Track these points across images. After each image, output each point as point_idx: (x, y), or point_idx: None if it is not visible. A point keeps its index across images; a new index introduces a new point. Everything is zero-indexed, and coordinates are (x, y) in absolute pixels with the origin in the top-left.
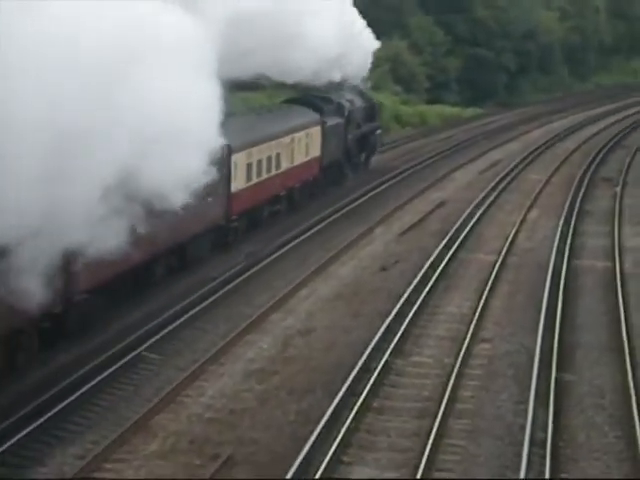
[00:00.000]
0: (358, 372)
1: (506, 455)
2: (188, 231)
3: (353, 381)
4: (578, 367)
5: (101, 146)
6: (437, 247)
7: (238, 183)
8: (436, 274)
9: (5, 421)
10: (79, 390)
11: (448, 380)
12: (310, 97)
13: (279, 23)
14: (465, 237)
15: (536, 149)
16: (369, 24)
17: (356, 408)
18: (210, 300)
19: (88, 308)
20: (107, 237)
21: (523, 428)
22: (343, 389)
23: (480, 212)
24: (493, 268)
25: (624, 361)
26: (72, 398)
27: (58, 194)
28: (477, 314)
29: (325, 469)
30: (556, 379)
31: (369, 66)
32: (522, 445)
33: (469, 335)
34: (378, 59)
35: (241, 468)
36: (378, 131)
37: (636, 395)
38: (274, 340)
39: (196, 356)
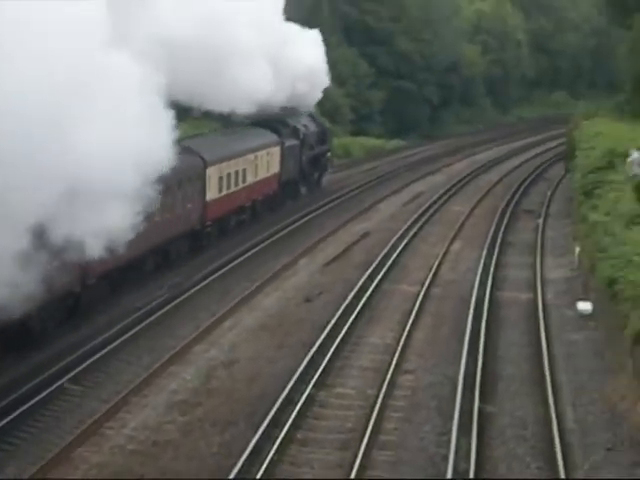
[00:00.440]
0: (281, 404)
1: None
2: (172, 232)
3: (276, 413)
4: (500, 398)
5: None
6: (361, 278)
7: (212, 193)
8: (360, 305)
9: None
10: None
11: (371, 412)
12: (270, 121)
13: (213, 54)
14: (389, 268)
15: (459, 181)
16: None
17: (279, 440)
18: (134, 331)
19: (98, 290)
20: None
21: (446, 459)
22: (266, 421)
23: (404, 243)
24: (416, 299)
25: (545, 392)
26: None
27: None
28: (400, 345)
29: None
30: (479, 410)
31: (320, 96)
32: (445, 476)
33: (392, 366)
34: None
35: None
36: (328, 154)
37: (557, 427)
38: (197, 372)
39: (119, 387)
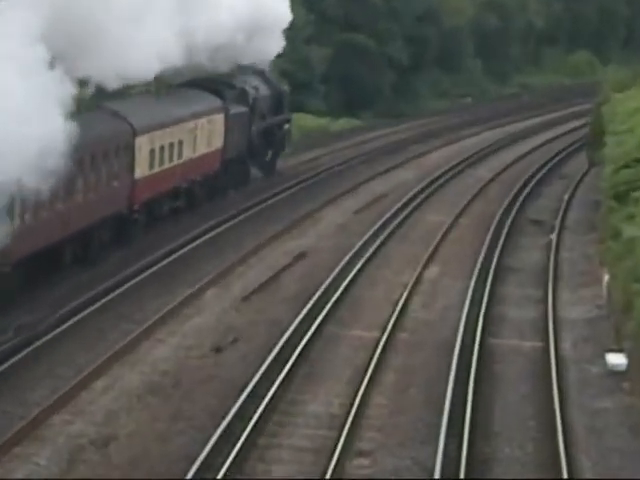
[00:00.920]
0: None
1: None
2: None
3: None
4: None
5: None
6: (295, 319)
7: (142, 169)
8: (293, 358)
9: None
10: None
11: None
12: (210, 81)
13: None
14: (335, 304)
15: (437, 178)
16: None
17: None
18: None
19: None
20: None
21: None
22: None
23: (356, 268)
24: (375, 350)
25: None
26: None
27: None
28: (352, 416)
29: None
30: None
31: (281, 46)
32: None
33: (340, 446)
34: None
35: None
36: (287, 125)
37: None
38: (56, 453)
39: None
